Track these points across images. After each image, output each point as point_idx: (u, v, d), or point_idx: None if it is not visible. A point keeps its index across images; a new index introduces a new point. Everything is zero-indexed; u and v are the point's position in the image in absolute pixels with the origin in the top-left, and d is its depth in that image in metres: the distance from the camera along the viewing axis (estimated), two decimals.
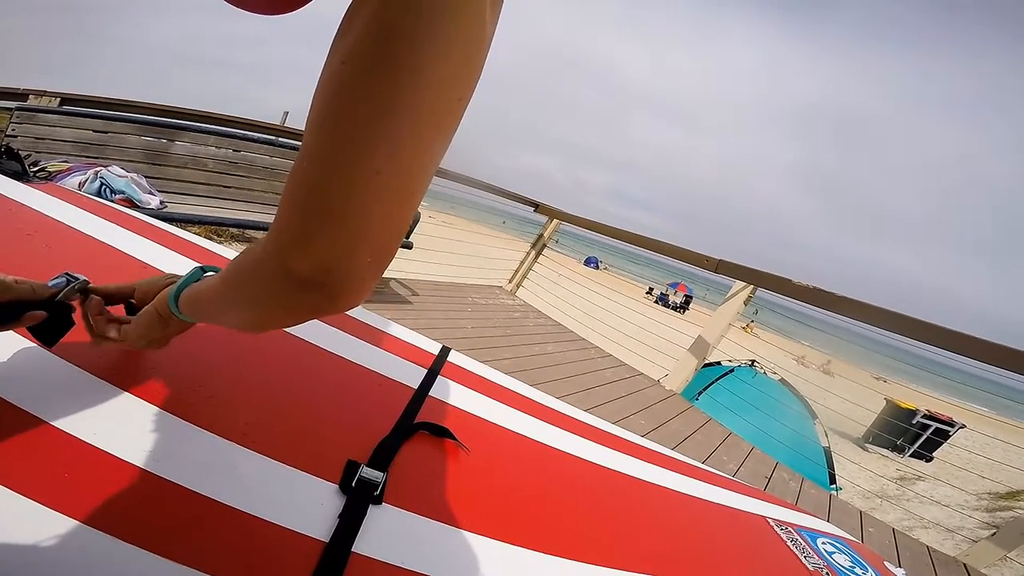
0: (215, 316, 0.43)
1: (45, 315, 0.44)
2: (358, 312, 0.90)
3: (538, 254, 4.50)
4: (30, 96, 2.18)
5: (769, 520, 0.81)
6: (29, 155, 1.46)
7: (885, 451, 8.55)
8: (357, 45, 0.25)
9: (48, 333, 0.46)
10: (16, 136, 2.04)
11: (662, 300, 23.48)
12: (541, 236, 4.47)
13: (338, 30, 0.27)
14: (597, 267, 27.56)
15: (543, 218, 4.50)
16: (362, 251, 0.28)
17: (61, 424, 0.41)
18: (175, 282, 0.48)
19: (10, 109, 2.04)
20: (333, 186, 0.27)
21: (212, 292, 0.41)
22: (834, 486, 3.83)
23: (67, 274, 0.49)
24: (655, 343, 3.50)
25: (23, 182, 0.95)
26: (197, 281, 0.46)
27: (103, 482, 0.38)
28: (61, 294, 0.47)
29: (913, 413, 8.67)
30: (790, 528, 0.80)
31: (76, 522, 0.35)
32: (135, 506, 0.38)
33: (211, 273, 0.47)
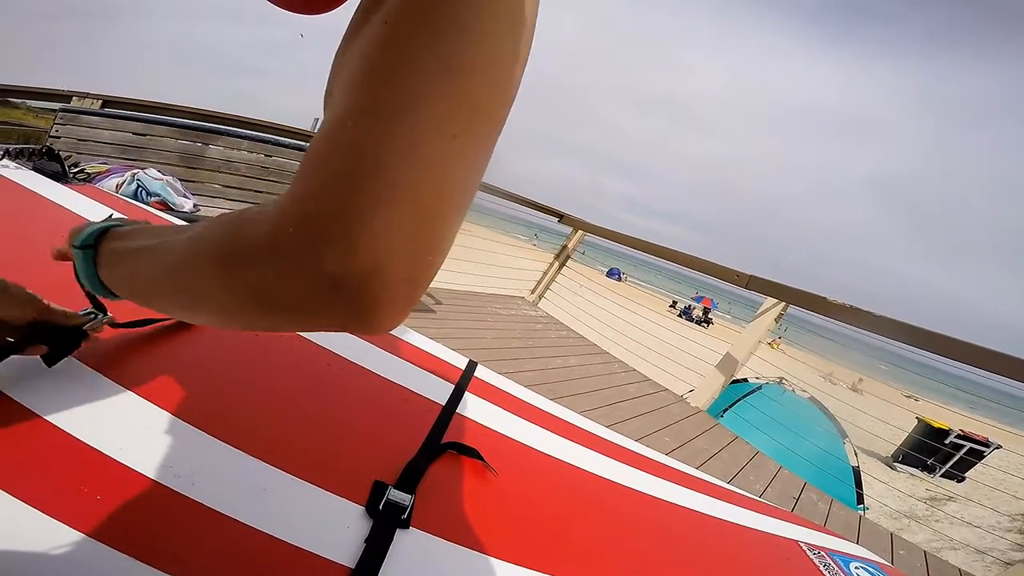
0: (158, 298, 0.31)
1: (47, 350, 0.45)
2: None
3: (561, 265, 4.46)
4: (74, 97, 2.25)
5: (801, 544, 0.77)
6: (70, 156, 1.49)
7: (915, 470, 8.29)
8: None
9: (53, 358, 0.46)
10: (60, 137, 2.10)
11: (686, 314, 23.16)
12: (565, 247, 4.44)
13: None
14: (619, 279, 27.34)
15: (567, 229, 4.47)
16: (425, 247, 0.21)
17: (77, 432, 0.40)
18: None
19: (54, 110, 2.10)
20: (399, 149, 0.20)
21: (167, 266, 0.29)
22: (862, 506, 3.71)
23: (93, 306, 0.51)
24: (679, 358, 3.43)
25: (62, 183, 0.97)
26: (118, 239, 0.36)
27: (119, 496, 0.37)
28: (87, 325, 0.49)
29: (946, 433, 8.38)
30: (823, 552, 0.77)
31: (89, 538, 0.33)
32: (151, 523, 0.36)
33: (130, 228, 0.37)
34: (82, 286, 0.39)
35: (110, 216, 0.42)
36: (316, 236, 0.20)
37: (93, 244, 0.37)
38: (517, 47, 0.23)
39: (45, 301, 0.44)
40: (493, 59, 0.22)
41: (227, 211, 0.24)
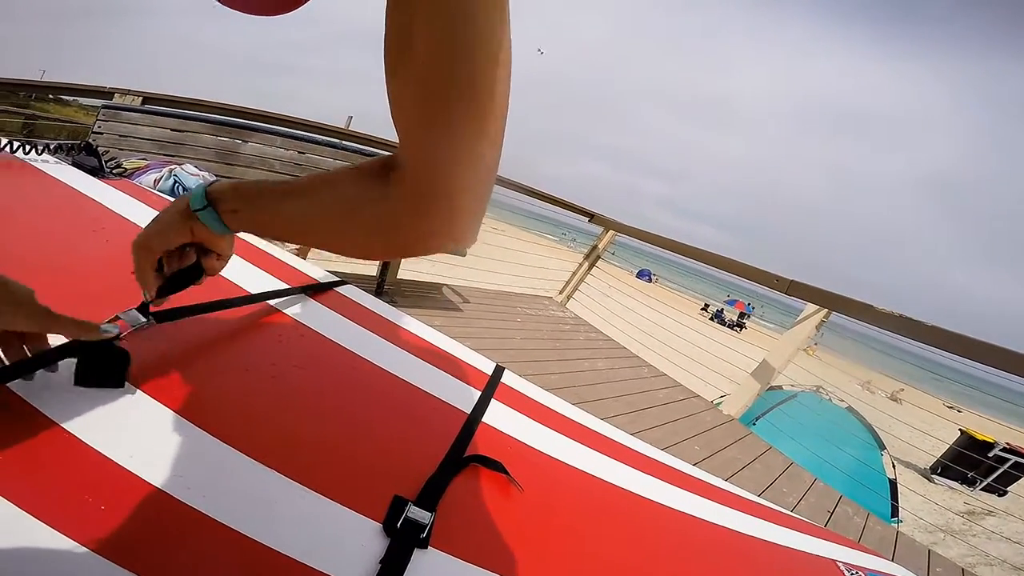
0: (293, 238, 0.50)
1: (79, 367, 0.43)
2: (413, 324, 0.87)
3: (591, 265, 4.40)
4: (115, 95, 2.30)
5: (839, 564, 0.73)
6: (108, 151, 1.52)
7: (954, 483, 7.95)
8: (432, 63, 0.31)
9: (83, 375, 0.44)
10: (102, 133, 2.15)
11: (718, 317, 22.69)
12: (595, 247, 4.38)
13: (391, 49, 0.33)
14: (650, 280, 26.94)
15: (598, 229, 4.40)
16: (466, 228, 0.39)
17: (81, 435, 0.39)
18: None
19: (96, 107, 2.16)
20: (453, 167, 0.34)
21: (316, 221, 0.44)
22: (896, 519, 3.58)
23: (136, 312, 0.49)
24: (711, 363, 3.35)
25: (99, 178, 0.98)
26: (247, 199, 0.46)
27: (123, 507, 0.35)
28: (111, 340, 0.46)
29: (990, 445, 7.99)
30: (861, 573, 0.72)
31: (88, 550, 0.31)
32: (155, 536, 0.34)
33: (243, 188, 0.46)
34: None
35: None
36: (420, 222, 0.37)
37: (209, 203, 0.46)
38: (509, 65, 0.33)
39: (48, 308, 0.40)
40: (498, 82, 0.33)
41: None
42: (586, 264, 4.41)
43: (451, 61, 0.31)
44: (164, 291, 0.50)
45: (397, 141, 0.36)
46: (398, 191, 0.37)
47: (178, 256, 0.50)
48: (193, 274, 0.51)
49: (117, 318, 0.48)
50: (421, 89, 0.33)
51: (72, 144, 1.09)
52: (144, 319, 0.50)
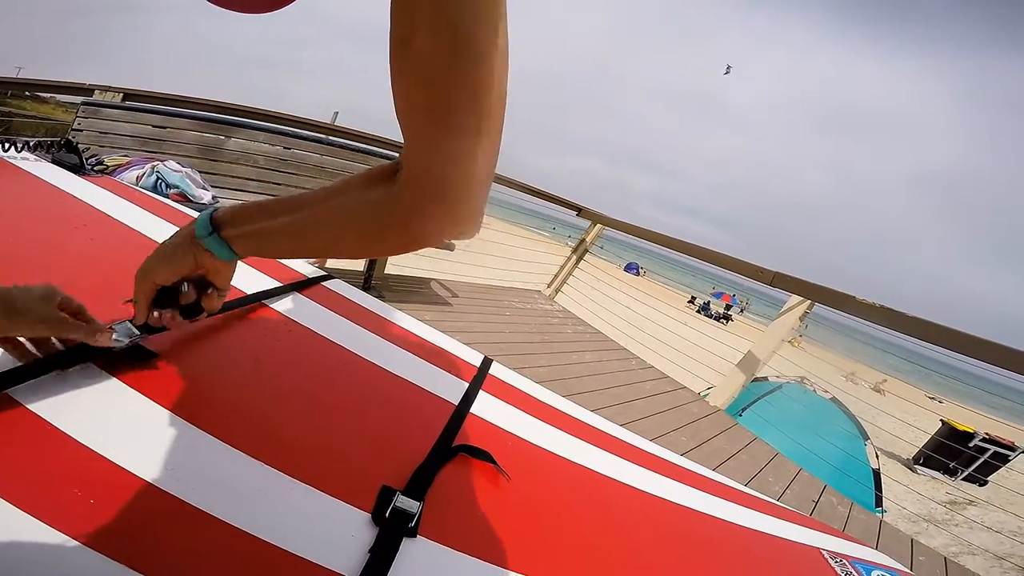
0: (295, 255, 0.52)
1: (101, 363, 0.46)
2: (401, 318, 0.87)
3: (579, 259, 4.42)
4: (95, 91, 2.26)
5: (823, 551, 0.75)
6: (88, 148, 1.51)
7: (936, 473, 8.10)
8: (429, 55, 0.32)
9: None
10: (82, 130, 2.12)
11: (705, 310, 22.89)
12: (583, 241, 4.40)
13: (396, 38, 0.33)
14: (638, 273, 27.07)
15: (586, 223, 4.42)
16: (473, 214, 0.40)
17: (69, 430, 0.39)
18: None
19: (76, 104, 2.12)
20: (455, 161, 0.36)
21: (315, 235, 0.45)
22: (880, 509, 3.65)
23: (129, 325, 0.50)
24: (698, 355, 3.38)
25: (79, 175, 0.97)
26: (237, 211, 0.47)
27: (112, 500, 0.35)
28: (122, 346, 0.48)
29: (971, 435, 8.15)
30: (844, 560, 0.74)
31: (78, 543, 0.32)
32: (145, 528, 0.35)
33: (244, 211, 0.47)
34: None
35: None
36: (431, 217, 0.39)
37: (214, 229, 0.46)
38: (506, 61, 0.34)
39: (63, 316, 0.43)
40: (496, 76, 0.33)
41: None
42: (574, 258, 4.43)
43: (454, 59, 0.32)
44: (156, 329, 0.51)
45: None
46: (408, 189, 0.38)
47: (177, 297, 0.50)
48: (190, 311, 0.52)
49: (111, 328, 0.48)
50: (425, 88, 0.34)
51: (52, 141, 1.07)
52: (136, 331, 0.50)
